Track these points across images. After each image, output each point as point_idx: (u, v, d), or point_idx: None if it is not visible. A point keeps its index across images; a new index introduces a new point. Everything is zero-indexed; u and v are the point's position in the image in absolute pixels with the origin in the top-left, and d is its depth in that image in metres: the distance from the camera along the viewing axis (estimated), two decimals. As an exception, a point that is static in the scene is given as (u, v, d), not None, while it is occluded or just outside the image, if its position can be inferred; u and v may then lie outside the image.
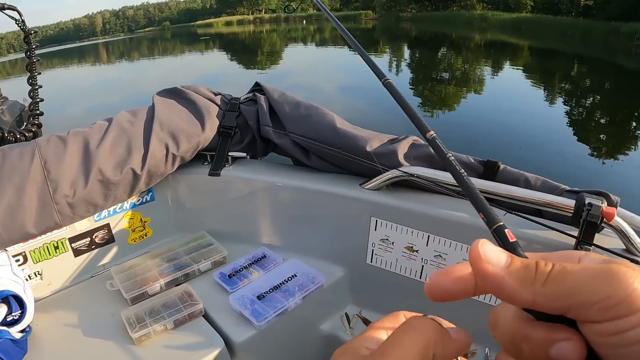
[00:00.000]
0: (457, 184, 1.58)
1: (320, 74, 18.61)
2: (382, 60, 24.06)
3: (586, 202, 1.47)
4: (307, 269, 1.95)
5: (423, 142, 1.91)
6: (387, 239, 1.89)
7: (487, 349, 1.86)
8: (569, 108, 15.17)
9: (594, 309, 0.34)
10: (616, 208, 1.58)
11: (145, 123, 1.94)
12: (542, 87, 19.25)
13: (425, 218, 1.79)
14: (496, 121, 11.34)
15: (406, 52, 31.08)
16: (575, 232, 1.52)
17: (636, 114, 15.17)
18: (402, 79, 18.64)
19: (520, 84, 19.26)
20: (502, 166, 1.78)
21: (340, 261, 2.04)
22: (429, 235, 1.79)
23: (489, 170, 1.78)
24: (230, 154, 2.12)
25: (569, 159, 8.80)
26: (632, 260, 1.49)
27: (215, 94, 2.16)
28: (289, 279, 1.89)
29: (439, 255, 1.80)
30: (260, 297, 1.78)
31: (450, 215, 1.74)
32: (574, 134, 11.49)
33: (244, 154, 2.15)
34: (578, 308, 0.35)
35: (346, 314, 2.01)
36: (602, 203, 1.46)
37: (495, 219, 0.48)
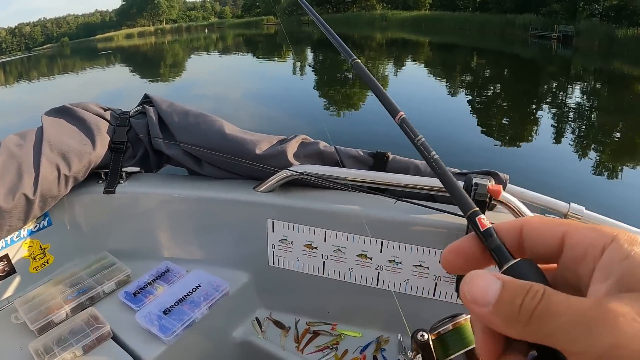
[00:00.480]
0: (348, 178, 1.61)
1: (224, 83, 18.49)
2: (286, 65, 24.13)
3: (473, 182, 1.53)
4: (211, 277, 1.94)
5: (312, 140, 1.94)
6: (285, 239, 1.90)
7: (399, 335, 1.91)
8: (471, 98, 15.78)
9: (572, 357, 0.34)
10: (505, 185, 1.68)
11: (34, 145, 1.86)
12: (444, 80, 19.86)
13: (320, 214, 1.81)
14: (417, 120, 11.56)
15: (310, 55, 31.28)
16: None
17: (534, 99, 15.92)
18: (307, 82, 18.77)
19: (422, 79, 19.82)
20: (391, 156, 1.83)
21: (243, 266, 2.04)
22: (325, 231, 1.81)
23: (379, 161, 1.83)
24: (124, 169, 2.06)
25: (473, 145, 9.14)
26: None
27: (105, 110, 2.11)
28: (194, 290, 1.87)
29: (338, 250, 1.83)
30: (166, 312, 1.76)
31: (343, 209, 1.77)
32: (478, 122, 11.93)
33: (137, 169, 2.10)
34: (559, 348, 0.35)
35: (257, 318, 2.02)
36: (489, 182, 1.53)
37: (469, 206, 0.47)
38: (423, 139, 0.60)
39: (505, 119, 12.75)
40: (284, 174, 1.81)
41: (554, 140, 10.77)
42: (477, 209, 0.46)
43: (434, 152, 0.56)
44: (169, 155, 2.05)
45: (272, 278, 2.01)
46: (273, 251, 1.95)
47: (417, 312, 1.82)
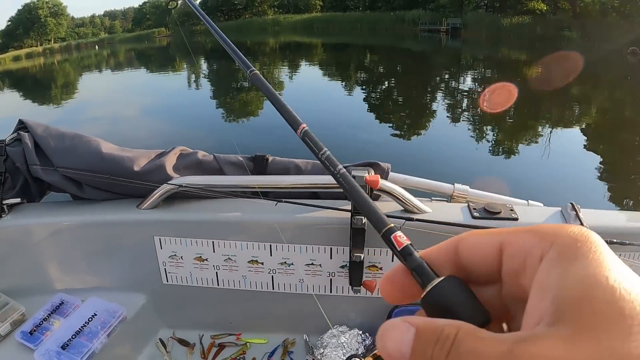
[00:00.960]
0: (228, 185, 1.59)
1: (119, 100, 17.97)
2: (180, 76, 23.84)
3: (352, 175, 1.54)
4: (107, 304, 1.88)
5: (190, 150, 1.93)
6: (175, 255, 1.87)
7: (305, 335, 1.93)
8: (367, 94, 16.05)
9: None
10: (387, 174, 1.72)
11: None
12: (340, 79, 20.13)
13: (205, 225, 1.80)
14: (302, 117, 11.65)
15: (204, 65, 30.99)
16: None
17: (428, 89, 16.41)
18: (203, 92, 18.59)
19: (317, 79, 19.98)
20: (270, 158, 1.85)
21: (139, 288, 1.99)
22: (213, 242, 1.80)
23: (259, 165, 1.84)
24: (4, 202, 1.96)
25: (370, 140, 9.28)
26: (406, 211, 1.67)
27: None
28: (90, 319, 1.81)
29: (229, 259, 1.83)
30: (64, 347, 1.69)
31: (228, 217, 1.77)
32: (376, 117, 12.17)
33: (19, 200, 2.00)
34: None
35: (160, 339, 1.98)
36: (367, 173, 1.56)
37: (383, 223, 0.43)
38: (328, 153, 0.58)
39: (402, 112, 13.05)
40: (164, 188, 1.78)
41: (450, 127, 11.15)
42: (392, 225, 0.43)
43: (340, 167, 0.54)
44: (49, 182, 1.97)
45: (169, 296, 1.98)
46: (165, 268, 1.92)
47: (319, 310, 1.84)
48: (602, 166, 7.55)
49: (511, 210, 1.68)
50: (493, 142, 9.73)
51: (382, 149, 8.57)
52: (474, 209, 1.69)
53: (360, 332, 1.82)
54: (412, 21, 52.51)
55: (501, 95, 13.45)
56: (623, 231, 1.64)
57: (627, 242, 1.53)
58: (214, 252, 1.83)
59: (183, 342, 1.97)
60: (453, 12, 48.99)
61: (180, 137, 9.78)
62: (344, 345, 1.76)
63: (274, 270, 1.82)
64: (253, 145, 8.75)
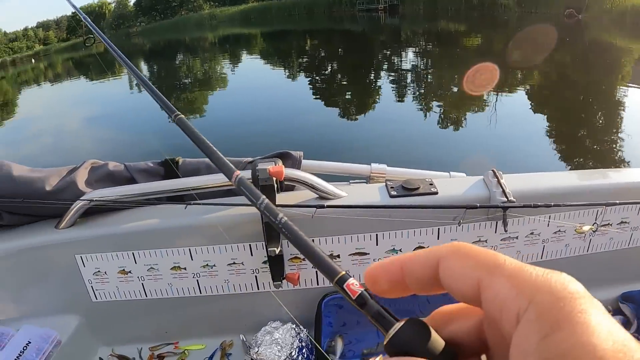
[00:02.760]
0: (140, 194, 1.55)
1: (62, 113, 17.58)
2: (121, 82, 23.43)
3: (257, 168, 1.54)
4: (40, 330, 1.81)
5: (101, 162, 1.89)
6: (99, 271, 1.83)
7: (241, 335, 1.92)
8: (311, 80, 16.03)
9: None
10: (299, 163, 1.71)
11: None
12: (282, 67, 20.09)
13: (123, 237, 1.76)
14: (245, 111, 11.61)
15: (144, 67, 30.58)
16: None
17: (372, 68, 16.48)
18: (145, 95, 18.35)
19: (259, 70, 19.92)
20: (181, 160, 1.83)
21: (70, 309, 1.94)
22: (134, 253, 1.77)
23: (170, 169, 1.81)
24: None
25: (317, 127, 9.25)
26: (321, 199, 1.67)
27: None
28: (24, 348, 1.74)
29: (152, 268, 1.80)
30: (3, 380, 1.64)
31: (144, 225, 1.74)
32: (324, 104, 12.14)
33: None
34: None
35: (100, 358, 1.95)
36: (274, 164, 1.54)
37: (334, 272, 0.41)
38: (266, 202, 0.55)
39: (347, 94, 13.07)
40: (77, 205, 1.73)
41: (396, 105, 11.18)
42: (343, 272, 0.40)
43: (281, 215, 0.51)
44: (-40, 213, 1.90)
45: (101, 313, 1.94)
46: (92, 286, 1.87)
47: (252, 309, 1.82)
48: (538, 131, 7.63)
49: (430, 184, 1.68)
50: (426, 117, 9.77)
51: (311, 136, 8.53)
52: (392, 187, 1.68)
53: (294, 325, 1.81)
54: (349, 2, 52.67)
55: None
56: (549, 192, 1.65)
57: (552, 203, 1.54)
58: (135, 263, 1.79)
59: (123, 358, 1.94)
60: (390, -12, 49.28)
61: (125, 144, 9.63)
62: (278, 341, 1.74)
63: (197, 274, 1.80)
64: (178, 146, 8.68)
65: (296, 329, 1.80)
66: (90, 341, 1.97)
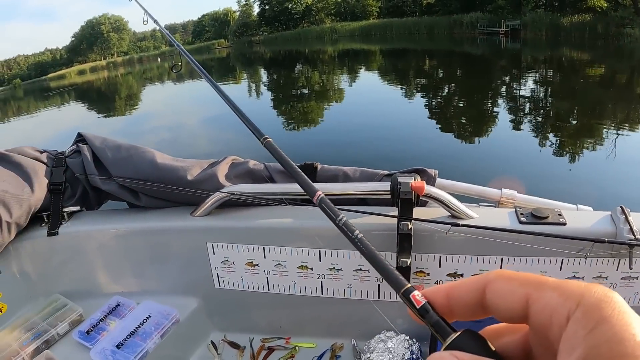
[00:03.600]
0: (279, 193, 1.63)
1: (181, 111, 18.33)
2: (240, 87, 24.08)
3: (399, 181, 1.58)
4: (161, 307, 1.94)
5: (242, 160, 1.97)
6: (227, 260, 1.92)
7: (353, 340, 1.94)
8: (428, 100, 15.90)
9: None
10: (434, 180, 1.74)
11: None
12: (399, 86, 20.03)
13: (256, 232, 1.85)
14: (362, 125, 11.66)
15: (264, 75, 31.35)
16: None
17: (489, 93, 16.16)
18: (263, 101, 18.77)
19: (377, 86, 19.93)
20: (319, 166, 1.88)
21: (191, 292, 2.05)
22: (264, 247, 1.84)
23: (308, 173, 1.86)
24: (64, 210, 2.05)
25: (431, 147, 9.19)
26: (453, 217, 1.67)
27: (41, 152, 2.09)
28: (144, 321, 1.88)
29: (279, 264, 1.87)
30: (119, 346, 1.76)
31: (278, 223, 1.81)
32: (437, 123, 12.02)
33: (78, 208, 2.09)
34: None
35: (212, 341, 2.03)
36: (414, 179, 1.58)
37: (400, 284, 0.46)
38: (344, 219, 0.60)
39: (460, 117, 12.87)
40: (217, 196, 1.83)
41: (507, 132, 10.91)
42: (410, 285, 0.45)
43: (357, 231, 0.56)
44: (106, 191, 2.05)
45: (221, 300, 2.03)
46: (217, 273, 1.97)
47: (367, 315, 1.85)
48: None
49: (559, 215, 1.66)
50: (551, 146, 9.47)
51: (437, 155, 8.48)
52: (522, 214, 1.67)
53: (407, 337, 1.81)
54: (470, 24, 51.82)
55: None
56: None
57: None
58: (264, 257, 1.86)
59: (233, 345, 2.01)
60: (511, 13, 48.05)
61: (237, 146, 9.89)
62: (390, 351, 1.76)
63: (323, 276, 1.85)
64: (307, 154, 8.81)
65: (409, 341, 1.81)
66: (205, 324, 2.07)
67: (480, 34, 49.53)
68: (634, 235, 1.52)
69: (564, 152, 8.85)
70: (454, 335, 0.39)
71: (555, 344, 0.34)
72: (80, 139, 2.13)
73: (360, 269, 1.79)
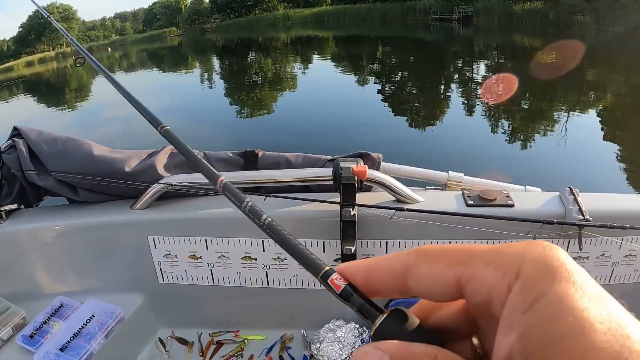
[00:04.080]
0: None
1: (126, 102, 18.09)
2: (193, 76, 23.86)
3: (340, 166, 1.56)
4: (105, 305, 1.88)
5: None
6: (169, 254, 1.88)
7: (302, 330, 1.93)
8: (381, 86, 15.97)
9: None
10: (379, 164, 1.72)
11: None
12: (352, 72, 20.09)
13: (197, 223, 1.81)
14: (313, 111, 11.66)
15: (216, 63, 31.08)
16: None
17: (442, 79, 16.33)
18: (216, 90, 18.61)
19: (330, 73, 19.96)
20: (260, 153, 1.85)
21: (136, 288, 2.00)
22: (206, 239, 1.81)
23: (249, 160, 1.84)
24: (2, 208, 1.97)
25: (384, 133, 9.21)
26: (398, 202, 1.66)
27: None
28: (88, 321, 1.81)
29: (222, 256, 1.83)
30: (63, 349, 1.70)
31: (219, 214, 1.77)
32: (392, 110, 12.09)
33: (15, 206, 2.01)
34: None
35: (160, 338, 1.99)
36: (356, 164, 1.55)
37: (319, 267, 0.41)
38: (250, 204, 0.55)
39: (414, 103, 12.98)
40: (155, 188, 1.79)
41: (457, 116, 11.04)
42: (328, 268, 0.40)
43: (265, 216, 0.51)
44: (44, 187, 1.98)
45: (166, 295, 1.99)
46: (160, 268, 1.93)
47: (316, 304, 1.84)
48: (615, 152, 7.39)
49: (507, 196, 1.66)
50: (501, 130, 9.58)
51: (387, 140, 8.50)
52: (469, 196, 1.67)
53: (357, 325, 1.81)
54: (423, 11, 52.39)
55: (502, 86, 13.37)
56: (625, 215, 1.60)
57: (628, 225, 1.50)
58: (207, 249, 1.83)
59: (182, 341, 1.98)
60: (464, 0, 48.69)
61: (188, 136, 9.79)
62: (340, 340, 1.75)
63: (267, 266, 1.82)
64: (255, 141, 8.78)
65: (359, 329, 1.80)
66: (152, 321, 2.02)
67: (433, 20, 50.14)
68: (582, 215, 1.53)
69: (515, 136, 9.02)
70: (381, 318, 0.35)
71: (498, 315, 0.31)
72: (16, 133, 2.05)
73: None
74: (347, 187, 1.56)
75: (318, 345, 1.76)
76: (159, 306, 2.02)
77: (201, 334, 2.00)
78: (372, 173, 1.59)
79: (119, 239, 1.92)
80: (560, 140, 8.11)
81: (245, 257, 1.81)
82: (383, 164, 1.78)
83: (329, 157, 1.79)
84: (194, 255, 1.86)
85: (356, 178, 1.54)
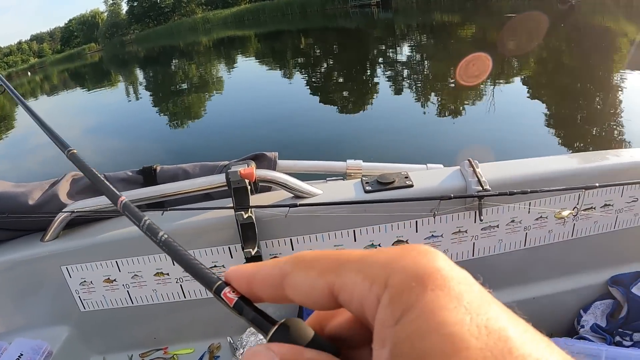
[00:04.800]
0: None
1: (60, 126, 17.65)
2: (117, 91, 23.43)
3: (229, 171, 1.56)
4: (32, 342, 1.84)
5: (82, 174, 1.88)
6: (85, 281, 1.86)
7: (228, 337, 1.94)
8: (306, 79, 15.99)
9: None
10: (274, 163, 1.72)
11: None
12: (277, 68, 20.07)
13: (106, 246, 1.78)
14: (240, 114, 11.58)
15: (140, 75, 30.59)
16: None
17: (367, 64, 16.45)
18: (143, 102, 18.30)
19: (255, 71, 19.90)
20: (159, 168, 1.84)
21: (60, 321, 1.97)
22: (117, 261, 1.79)
23: (148, 176, 1.83)
24: None
25: (316, 126, 9.20)
26: (297, 198, 1.68)
27: None
28: (17, 360, 1.77)
29: (135, 275, 1.82)
30: (-5, 395, 1.66)
31: (126, 233, 1.76)
32: (319, 102, 12.09)
33: None
34: None
35: (92, 367, 1.95)
36: (247, 166, 1.57)
37: (211, 282, 0.40)
38: (148, 222, 0.55)
39: (343, 91, 13.02)
40: (60, 217, 1.76)
41: (391, 99, 11.11)
42: (221, 282, 0.39)
43: (161, 233, 0.51)
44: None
45: (90, 322, 1.96)
46: (79, 296, 1.90)
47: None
48: (540, 116, 7.51)
49: (406, 177, 1.69)
50: (420, 109, 9.66)
51: (303, 135, 8.45)
52: (367, 182, 1.69)
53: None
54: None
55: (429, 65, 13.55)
56: (525, 179, 1.65)
57: (529, 190, 1.53)
58: (119, 271, 1.82)
59: (117, 366, 1.96)
60: (382, -17, 49.17)
61: (128, 154, 9.61)
62: (263, 342, 1.74)
63: (181, 279, 1.82)
64: (181, 149, 8.68)
65: (281, 329, 1.80)
66: (82, 350, 1.99)
67: (352, 7, 50.45)
68: (482, 186, 1.56)
69: (438, 113, 9.07)
70: (273, 329, 0.35)
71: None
72: None
73: (216, 266, 1.78)
74: (238, 191, 1.57)
75: (242, 350, 1.77)
76: (86, 335, 1.99)
77: (132, 356, 1.99)
78: (262, 173, 1.60)
79: (34, 273, 1.87)
80: (480, 114, 8.24)
81: (158, 273, 1.81)
82: (280, 162, 1.78)
83: (225, 163, 1.78)
84: (108, 278, 1.84)
85: (247, 181, 1.54)
